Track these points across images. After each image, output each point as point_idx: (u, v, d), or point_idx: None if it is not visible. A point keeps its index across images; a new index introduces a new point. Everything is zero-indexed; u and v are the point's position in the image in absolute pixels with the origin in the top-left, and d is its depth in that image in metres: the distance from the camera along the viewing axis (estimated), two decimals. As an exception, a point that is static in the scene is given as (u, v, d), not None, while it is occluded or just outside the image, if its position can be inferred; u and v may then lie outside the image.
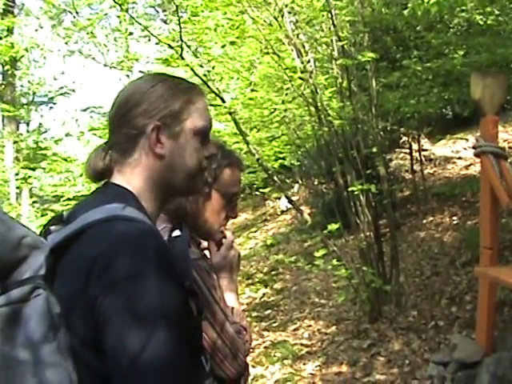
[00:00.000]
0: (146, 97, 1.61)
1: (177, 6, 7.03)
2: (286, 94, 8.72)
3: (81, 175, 17.85)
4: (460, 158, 12.80)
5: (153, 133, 1.60)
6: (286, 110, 8.86)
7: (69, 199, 21.19)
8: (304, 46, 8.06)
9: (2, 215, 1.47)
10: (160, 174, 1.62)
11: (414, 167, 11.48)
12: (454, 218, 10.06)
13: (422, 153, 12.01)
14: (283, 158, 11.44)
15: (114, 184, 1.61)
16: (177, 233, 1.59)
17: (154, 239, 1.42)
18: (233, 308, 2.35)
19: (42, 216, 18.80)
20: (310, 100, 7.72)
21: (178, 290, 1.39)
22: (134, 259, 1.35)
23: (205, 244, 2.45)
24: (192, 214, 2.34)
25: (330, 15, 7.40)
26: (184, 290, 1.45)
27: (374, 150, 7.87)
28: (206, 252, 2.45)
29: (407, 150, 11.76)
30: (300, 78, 7.48)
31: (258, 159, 7.57)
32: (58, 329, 1.32)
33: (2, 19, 16.00)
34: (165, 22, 19.79)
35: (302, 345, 7.88)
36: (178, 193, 1.73)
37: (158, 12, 21.15)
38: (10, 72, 16.74)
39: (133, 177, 1.61)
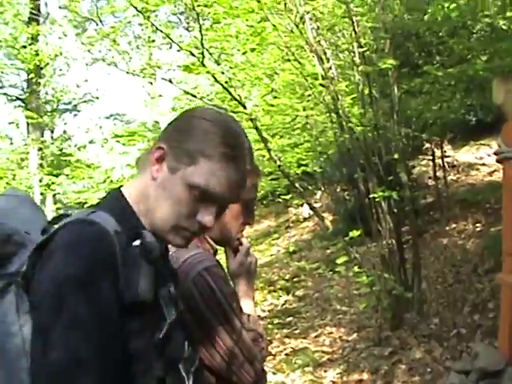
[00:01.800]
0: (186, 124, 1.59)
1: (198, 14, 7.05)
2: (308, 101, 8.71)
3: (104, 182, 17.97)
4: (484, 165, 12.70)
5: (156, 151, 1.57)
6: (307, 117, 8.85)
7: (93, 205, 21.33)
8: (325, 53, 8.06)
9: None
10: (149, 195, 1.57)
11: (437, 174, 11.41)
12: (478, 224, 9.98)
13: (445, 159, 11.94)
14: (305, 165, 11.42)
15: (120, 188, 1.64)
16: (137, 242, 1.47)
17: (94, 245, 1.39)
18: (249, 315, 2.35)
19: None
20: (332, 107, 7.71)
21: (101, 301, 1.35)
22: (60, 266, 1.35)
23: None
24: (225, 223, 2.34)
25: (351, 22, 7.40)
26: (117, 302, 1.38)
27: (396, 156, 7.84)
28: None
29: (430, 157, 11.69)
30: (321, 84, 7.48)
31: (279, 166, 7.57)
32: (22, 325, 1.37)
33: (27, 27, 16.17)
34: (187, 29, 19.90)
35: (323, 352, 7.85)
36: (150, 224, 1.58)
37: (180, 20, 21.25)
38: (34, 80, 16.90)
39: (134, 185, 1.63)
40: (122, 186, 1.65)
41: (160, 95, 18.38)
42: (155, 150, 1.57)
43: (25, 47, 14.91)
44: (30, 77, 15.84)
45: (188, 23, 17.87)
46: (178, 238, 1.58)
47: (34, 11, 17.46)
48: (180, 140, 1.55)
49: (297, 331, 8.98)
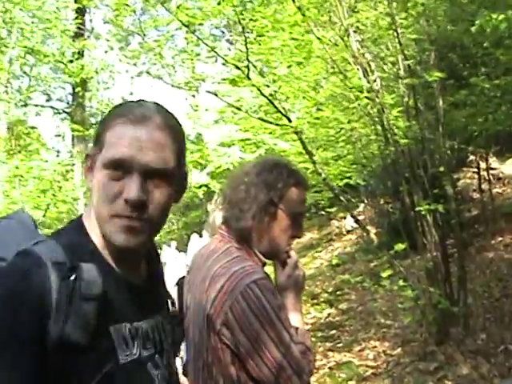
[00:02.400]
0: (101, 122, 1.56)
1: (243, 28, 7.09)
2: (353, 114, 8.68)
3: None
4: (530, 177, 12.49)
5: (87, 160, 1.53)
6: (352, 130, 8.81)
7: (56, 231, 21.45)
8: (370, 65, 8.03)
9: None
10: (93, 208, 1.51)
11: (482, 186, 11.24)
12: (524, 238, 9.81)
13: (491, 171, 11.75)
14: (349, 178, 11.36)
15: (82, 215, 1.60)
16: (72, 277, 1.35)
17: (17, 278, 1.33)
18: (297, 328, 2.34)
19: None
20: (377, 119, 7.67)
21: (11, 334, 1.28)
22: None
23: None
24: (257, 234, 2.34)
25: (395, 34, 7.36)
26: (41, 337, 1.31)
27: (441, 169, 7.75)
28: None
29: (475, 169, 11.53)
30: (366, 97, 7.44)
31: (324, 178, 7.54)
32: None
33: (74, 42, 16.47)
34: (230, 42, 20.03)
35: (367, 366, 7.78)
36: (100, 228, 1.50)
37: (223, 32, 21.43)
38: (80, 93, 17.19)
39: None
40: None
41: (207, 109, 18.45)
42: (85, 161, 1.54)
43: (72, 61, 15.18)
44: (76, 90, 16.11)
45: (231, 36, 17.99)
46: (119, 232, 1.45)
47: (79, 26, 17.81)
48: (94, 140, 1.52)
49: (340, 345, 8.91)
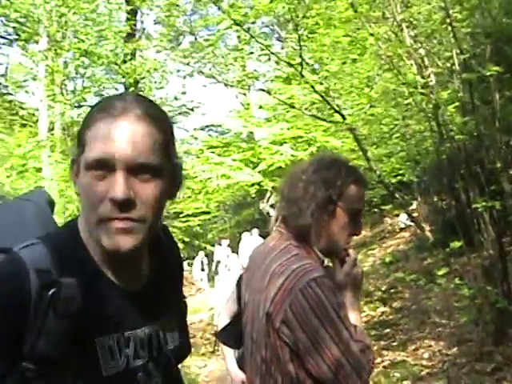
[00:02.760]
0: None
1: (296, 25, 7.06)
2: (406, 110, 8.57)
3: (199, 192, 18.27)
4: None
5: (73, 165, 1.45)
6: (406, 126, 8.72)
7: (188, 215, 21.81)
8: (423, 61, 7.92)
9: None
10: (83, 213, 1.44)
11: (541, 182, 10.98)
12: None
13: (549, 167, 11.49)
14: (402, 175, 11.25)
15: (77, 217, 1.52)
16: (50, 291, 1.30)
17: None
18: (356, 326, 2.32)
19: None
20: (432, 115, 7.56)
21: None
22: None
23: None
24: (316, 232, 2.33)
25: (449, 28, 7.23)
26: (14, 345, 1.28)
27: (498, 165, 7.60)
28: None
29: (533, 165, 11.28)
30: (421, 93, 7.34)
31: (379, 176, 7.46)
32: None
33: (126, 43, 16.68)
34: (280, 40, 20.02)
35: (422, 366, 7.67)
36: (89, 233, 1.43)
37: (273, 31, 21.42)
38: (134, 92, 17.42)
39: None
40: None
41: (261, 106, 18.47)
42: (70, 167, 1.45)
43: (125, 62, 15.37)
44: (130, 90, 16.32)
45: (280, 34, 17.99)
46: (109, 237, 1.36)
47: (132, 27, 18.03)
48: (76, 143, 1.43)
49: (394, 343, 8.83)
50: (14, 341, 1.27)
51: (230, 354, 3.65)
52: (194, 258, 22.81)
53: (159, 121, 1.43)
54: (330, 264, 2.49)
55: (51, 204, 1.67)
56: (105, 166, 1.34)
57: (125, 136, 1.35)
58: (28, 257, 1.32)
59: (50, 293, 1.29)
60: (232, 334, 3.18)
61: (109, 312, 1.42)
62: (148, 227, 1.39)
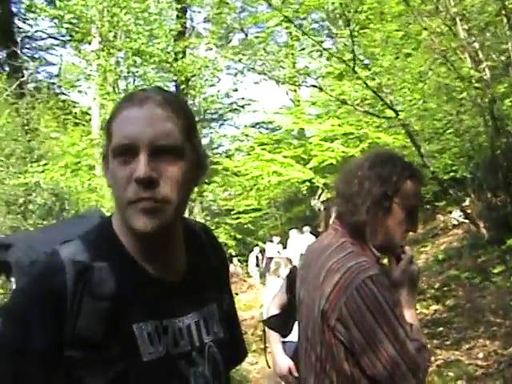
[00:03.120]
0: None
1: (348, 20, 6.99)
2: (461, 105, 8.42)
3: (251, 189, 18.32)
4: None
5: (104, 159, 1.51)
6: (460, 121, 8.57)
7: (239, 212, 21.90)
8: (478, 54, 7.77)
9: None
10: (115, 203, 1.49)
11: None
12: None
13: None
14: (455, 171, 11.06)
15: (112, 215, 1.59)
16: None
17: (37, 278, 1.40)
18: (411, 325, 2.28)
19: (217, 228, 19.51)
20: (487, 110, 7.41)
21: (26, 332, 1.34)
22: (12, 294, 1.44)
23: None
24: (372, 229, 2.30)
25: (505, 19, 7.09)
26: (56, 335, 1.34)
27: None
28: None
29: None
30: (476, 87, 7.20)
31: (433, 172, 7.35)
32: None
33: (176, 41, 16.82)
34: (331, 36, 19.89)
35: (476, 365, 7.53)
36: (130, 226, 1.45)
37: (322, 27, 21.31)
38: (185, 91, 17.54)
39: None
40: None
41: (314, 103, 18.39)
42: (102, 163, 1.52)
43: (176, 60, 15.51)
44: (181, 88, 16.46)
45: (330, 30, 17.88)
46: (136, 217, 1.40)
47: (182, 24, 18.19)
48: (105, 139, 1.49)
49: (448, 342, 8.68)
50: (56, 328, 1.33)
51: (276, 340, 3.65)
52: (244, 254, 22.88)
53: (179, 107, 1.49)
54: (385, 261, 2.45)
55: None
56: (128, 150, 1.40)
57: (146, 120, 1.42)
58: (64, 251, 1.40)
59: (85, 277, 1.36)
60: (280, 321, 3.18)
61: (145, 300, 1.45)
62: (173, 208, 1.43)
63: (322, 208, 19.64)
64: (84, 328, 1.35)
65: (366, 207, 2.27)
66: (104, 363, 1.36)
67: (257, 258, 21.76)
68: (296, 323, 2.66)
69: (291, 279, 3.68)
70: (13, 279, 1.68)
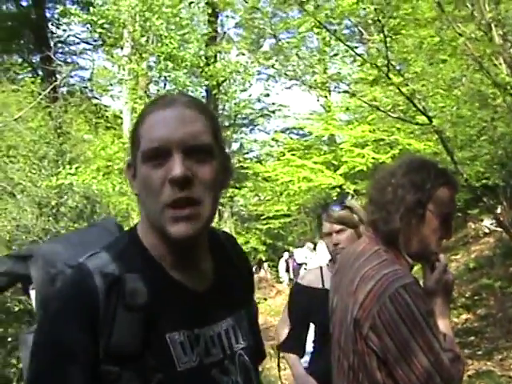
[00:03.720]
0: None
1: (382, 26, 6.94)
2: (495, 112, 8.32)
3: (281, 194, 18.30)
4: None
5: (128, 170, 1.52)
6: (495, 128, 8.46)
7: (269, 217, 21.92)
8: (513, 60, 7.68)
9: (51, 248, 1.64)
10: (147, 210, 1.47)
11: None
12: None
13: None
14: (487, 178, 10.93)
15: (137, 224, 1.58)
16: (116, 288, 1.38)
17: (66, 294, 1.41)
18: (445, 334, 2.25)
19: (247, 234, 19.56)
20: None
21: (59, 346, 1.35)
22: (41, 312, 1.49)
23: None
24: (405, 237, 2.26)
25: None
26: (90, 349, 1.34)
27: None
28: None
29: None
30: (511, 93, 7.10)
31: (466, 179, 7.26)
32: None
33: (207, 46, 16.92)
34: (362, 42, 19.82)
35: (509, 377, 7.43)
36: (160, 236, 1.46)
37: (353, 32, 21.23)
38: (216, 96, 17.63)
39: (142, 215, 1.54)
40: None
41: (347, 108, 18.33)
42: (126, 172, 1.52)
43: (208, 65, 15.59)
44: (213, 92, 16.55)
45: (361, 35, 17.83)
46: (172, 223, 1.40)
47: (215, 29, 18.29)
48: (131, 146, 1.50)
49: (479, 352, 8.59)
50: (91, 344, 1.34)
51: (296, 361, 3.64)
52: (274, 260, 22.88)
53: (206, 109, 1.51)
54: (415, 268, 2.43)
55: (119, 228, 1.78)
56: (161, 153, 1.40)
57: (176, 121, 1.43)
58: (92, 264, 1.40)
59: (116, 289, 1.36)
60: (292, 342, 3.18)
61: (176, 309, 1.46)
62: (207, 211, 1.44)
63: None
64: (120, 341, 1.35)
65: (399, 215, 2.25)
66: (140, 375, 1.36)
67: (286, 262, 21.73)
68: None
69: (291, 296, 3.73)
70: (31, 292, 1.69)
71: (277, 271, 22.74)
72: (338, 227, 3.44)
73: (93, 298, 1.35)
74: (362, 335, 2.15)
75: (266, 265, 22.66)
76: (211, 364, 1.48)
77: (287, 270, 21.73)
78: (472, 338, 9.25)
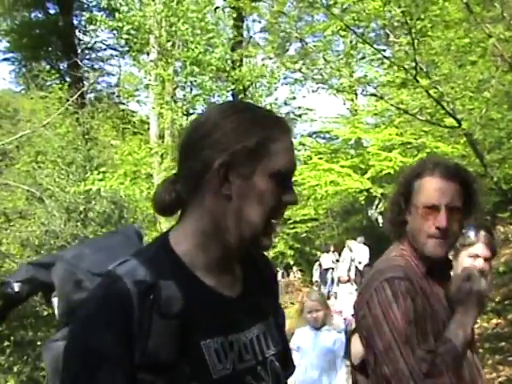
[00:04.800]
0: (218, 127, 1.45)
1: (410, 28, 6.89)
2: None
3: (308, 198, 18.25)
4: None
5: (220, 170, 1.42)
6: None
7: (296, 222, 21.89)
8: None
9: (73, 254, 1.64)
10: (223, 218, 1.46)
11: None
12: None
13: None
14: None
15: (168, 232, 1.55)
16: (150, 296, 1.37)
17: (100, 303, 1.37)
18: (447, 341, 2.16)
19: (274, 237, 19.51)
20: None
21: (98, 357, 1.33)
22: (73, 324, 1.43)
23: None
24: (412, 232, 2.29)
25: None
26: (128, 359, 1.33)
27: None
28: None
29: None
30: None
31: (495, 182, 7.18)
32: None
33: (233, 51, 16.96)
34: (388, 44, 19.73)
35: (541, 383, 7.32)
36: (237, 243, 1.48)
37: (378, 35, 21.15)
38: (242, 100, 17.67)
39: (192, 222, 1.49)
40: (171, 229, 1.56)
41: (375, 113, 18.28)
42: (216, 171, 1.43)
43: (234, 69, 15.65)
44: (239, 97, 16.59)
45: (387, 38, 17.75)
46: (268, 237, 1.50)
47: (239, 34, 18.33)
48: (232, 143, 1.43)
49: (511, 358, 8.46)
50: (126, 352, 1.32)
51: None
52: (301, 264, 22.83)
53: None
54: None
55: (139, 235, 1.80)
56: (288, 176, 1.50)
57: (292, 146, 1.55)
58: (123, 272, 1.38)
59: (152, 297, 1.34)
60: None
61: (209, 315, 1.45)
62: None
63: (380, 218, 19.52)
64: (155, 349, 1.33)
65: (405, 215, 2.34)
66: (175, 383, 1.35)
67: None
68: None
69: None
70: (54, 300, 1.68)
71: (303, 275, 22.67)
72: (490, 255, 3.18)
73: (126, 305, 1.34)
74: (358, 321, 2.29)
75: (295, 269, 22.65)
76: (245, 370, 1.48)
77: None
78: (503, 343, 9.11)
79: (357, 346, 2.56)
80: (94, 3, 23.19)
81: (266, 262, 1.75)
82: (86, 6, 23.32)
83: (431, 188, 2.27)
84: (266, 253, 1.78)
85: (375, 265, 2.35)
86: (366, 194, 17.62)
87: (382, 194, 17.15)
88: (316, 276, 20.79)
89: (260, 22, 20.16)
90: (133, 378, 1.32)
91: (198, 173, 1.45)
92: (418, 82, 6.99)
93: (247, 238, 1.47)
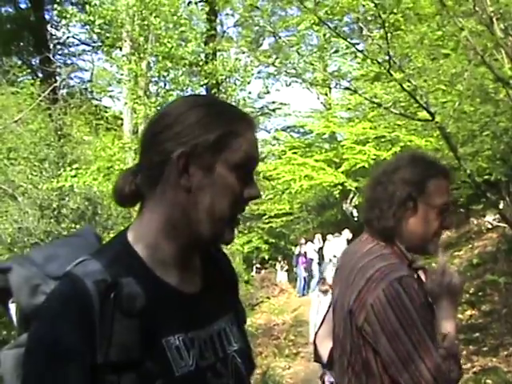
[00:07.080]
0: (180, 119, 1.44)
1: (383, 21, 6.92)
2: (498, 106, 8.28)
3: (283, 193, 18.32)
4: None
5: (179, 160, 1.41)
6: (497, 123, 8.42)
7: (270, 217, 21.96)
8: (515, 54, 7.63)
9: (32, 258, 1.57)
10: (183, 211, 1.44)
11: None
12: None
13: None
14: (489, 174, 10.90)
15: (126, 230, 1.53)
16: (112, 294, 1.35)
17: (59, 304, 1.35)
18: (445, 335, 2.20)
19: (249, 233, 19.57)
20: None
21: (60, 358, 1.31)
22: (33, 327, 1.39)
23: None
24: (400, 232, 2.29)
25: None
26: (89, 358, 1.31)
27: None
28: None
29: None
30: (513, 88, 7.07)
31: (469, 175, 7.23)
32: None
33: (206, 45, 16.89)
34: (361, 38, 19.82)
35: (516, 373, 7.40)
36: (199, 237, 1.46)
37: (351, 29, 21.24)
38: (216, 95, 17.61)
39: (151, 216, 1.47)
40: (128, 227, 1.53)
41: (349, 108, 18.35)
42: (175, 162, 1.41)
43: (207, 63, 15.60)
44: (212, 91, 16.52)
45: (361, 32, 17.84)
46: (231, 231, 1.49)
47: (214, 27, 18.28)
48: (194, 135, 1.42)
49: (485, 348, 8.56)
50: (87, 347, 1.31)
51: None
52: (276, 259, 22.86)
53: None
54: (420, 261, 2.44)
55: (97, 237, 1.75)
56: (251, 169, 1.51)
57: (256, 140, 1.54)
58: (81, 272, 1.36)
59: (112, 295, 1.33)
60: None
61: (169, 312, 1.44)
62: None
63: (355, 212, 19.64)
64: (119, 348, 1.32)
65: (392, 211, 2.29)
66: (139, 383, 1.34)
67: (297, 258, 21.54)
68: None
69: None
70: (11, 305, 1.64)
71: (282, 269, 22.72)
72: None
73: (87, 304, 1.32)
74: (358, 326, 2.19)
75: (279, 265, 22.62)
76: (206, 368, 1.47)
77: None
78: (477, 334, 9.21)
79: (327, 347, 2.60)
80: (66, -3, 22.95)
81: (224, 258, 1.73)
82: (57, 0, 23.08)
83: (445, 188, 2.33)
84: (241, 248, 1.76)
85: (363, 263, 2.28)
86: (340, 187, 17.72)
87: (356, 188, 17.24)
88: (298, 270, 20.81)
89: (233, 16, 20.10)
90: (95, 378, 1.30)
91: (158, 165, 1.44)
92: (391, 75, 7.02)
93: (207, 232, 1.45)
